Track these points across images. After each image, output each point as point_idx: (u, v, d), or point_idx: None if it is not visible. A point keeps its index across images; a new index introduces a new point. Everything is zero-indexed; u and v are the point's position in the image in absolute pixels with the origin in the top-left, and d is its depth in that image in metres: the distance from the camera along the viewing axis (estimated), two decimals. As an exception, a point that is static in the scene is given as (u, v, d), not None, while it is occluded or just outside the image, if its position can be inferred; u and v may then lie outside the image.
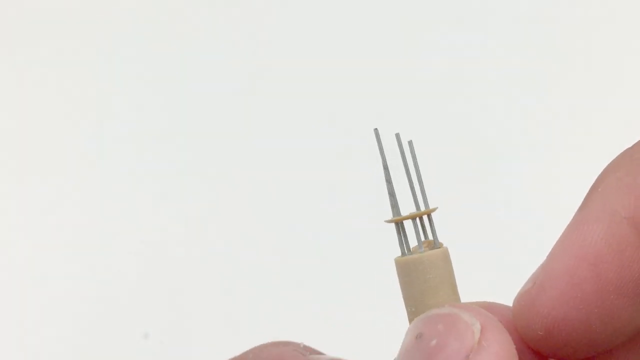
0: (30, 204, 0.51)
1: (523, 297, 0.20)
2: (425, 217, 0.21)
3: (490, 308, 0.21)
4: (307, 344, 0.26)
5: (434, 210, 0.20)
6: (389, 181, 0.20)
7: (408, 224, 0.21)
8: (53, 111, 0.54)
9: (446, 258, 0.20)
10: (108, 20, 0.57)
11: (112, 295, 0.48)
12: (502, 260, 0.47)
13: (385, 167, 0.20)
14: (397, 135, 0.19)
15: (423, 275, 0.20)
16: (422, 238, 0.21)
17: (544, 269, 0.20)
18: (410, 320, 0.21)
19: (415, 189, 0.20)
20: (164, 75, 0.54)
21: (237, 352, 0.25)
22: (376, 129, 0.19)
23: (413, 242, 0.23)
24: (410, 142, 0.20)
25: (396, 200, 0.20)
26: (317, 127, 0.52)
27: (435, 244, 0.21)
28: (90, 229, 0.50)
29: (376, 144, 0.20)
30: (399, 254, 0.21)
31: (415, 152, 0.20)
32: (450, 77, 0.52)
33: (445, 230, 0.23)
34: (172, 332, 0.46)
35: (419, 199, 0.20)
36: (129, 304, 0.47)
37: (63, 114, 0.54)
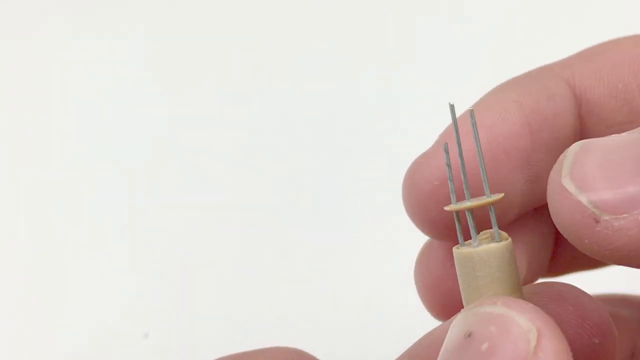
0: (28, 202, 0.51)
1: (422, 157, 0.24)
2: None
3: (559, 291, 0.21)
4: (307, 348, 0.25)
5: (499, 198, 0.19)
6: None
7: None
8: (53, 108, 0.54)
9: (511, 251, 0.19)
10: (110, 21, 0.56)
11: (112, 294, 0.47)
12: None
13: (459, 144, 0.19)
14: (471, 111, 0.18)
15: (484, 269, 0.19)
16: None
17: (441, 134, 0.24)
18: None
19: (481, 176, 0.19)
20: (163, 73, 0.54)
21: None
22: (452, 104, 0.19)
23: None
24: (473, 119, 0.19)
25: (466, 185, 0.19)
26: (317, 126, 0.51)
27: (495, 236, 0.20)
28: (88, 228, 0.49)
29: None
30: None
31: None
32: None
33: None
34: (172, 332, 0.45)
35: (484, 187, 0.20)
36: (129, 304, 0.47)
37: (64, 111, 0.54)
